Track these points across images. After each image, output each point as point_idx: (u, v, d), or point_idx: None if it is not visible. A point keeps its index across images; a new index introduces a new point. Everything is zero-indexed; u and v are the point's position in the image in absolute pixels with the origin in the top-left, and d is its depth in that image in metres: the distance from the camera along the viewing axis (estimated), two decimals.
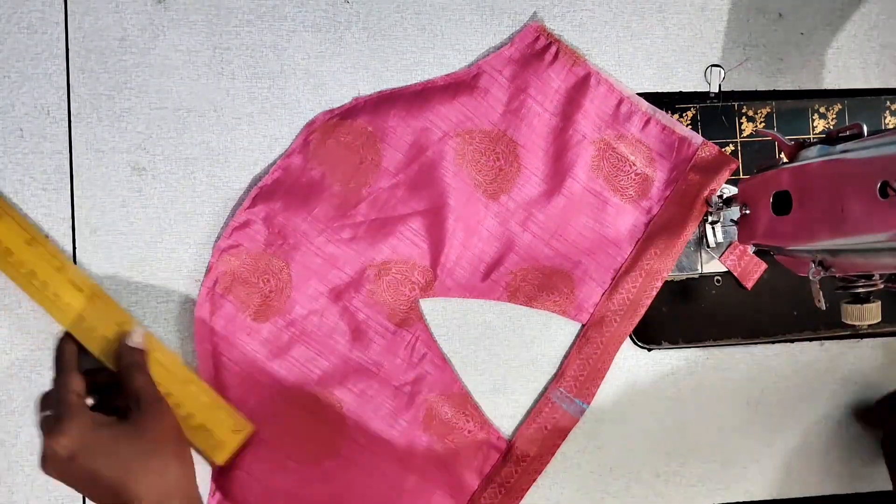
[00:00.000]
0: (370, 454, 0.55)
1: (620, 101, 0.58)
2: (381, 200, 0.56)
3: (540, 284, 0.58)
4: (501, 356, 0.58)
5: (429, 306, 0.57)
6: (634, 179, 0.59)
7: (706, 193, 0.58)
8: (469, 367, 0.58)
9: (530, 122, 0.57)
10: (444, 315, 0.58)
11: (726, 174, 0.58)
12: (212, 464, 0.53)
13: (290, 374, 0.55)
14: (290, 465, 0.54)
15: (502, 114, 0.57)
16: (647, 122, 0.59)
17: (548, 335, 0.59)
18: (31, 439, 0.53)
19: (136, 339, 0.50)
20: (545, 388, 0.58)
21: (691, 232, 0.58)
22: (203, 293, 0.54)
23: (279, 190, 0.55)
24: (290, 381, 0.55)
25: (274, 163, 0.55)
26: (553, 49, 0.58)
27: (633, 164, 0.58)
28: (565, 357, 0.59)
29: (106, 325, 0.51)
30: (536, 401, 0.58)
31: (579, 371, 0.58)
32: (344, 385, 0.55)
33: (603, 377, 0.58)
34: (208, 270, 0.54)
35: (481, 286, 0.57)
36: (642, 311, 0.58)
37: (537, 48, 0.58)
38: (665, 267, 0.58)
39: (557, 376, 0.58)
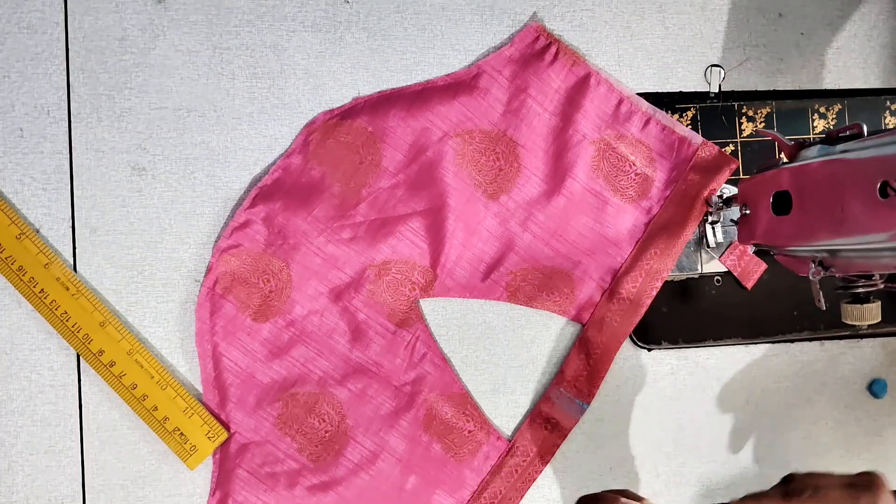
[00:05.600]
0: (370, 454, 0.55)
1: (620, 101, 0.58)
2: (381, 200, 0.56)
3: (540, 284, 0.58)
4: (501, 356, 0.58)
5: (429, 306, 0.57)
6: (634, 179, 0.59)
7: (706, 193, 0.58)
8: (469, 367, 0.58)
9: (530, 122, 0.57)
10: (444, 315, 0.58)
11: (726, 174, 0.58)
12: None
13: (290, 374, 0.55)
14: (291, 465, 0.54)
15: (502, 114, 0.57)
16: (647, 122, 0.59)
17: (548, 335, 0.59)
18: (31, 439, 0.53)
19: None
20: (545, 388, 0.58)
21: (691, 232, 0.58)
22: (203, 293, 0.54)
23: (279, 190, 0.55)
24: (290, 381, 0.55)
25: (274, 163, 0.55)
26: (553, 49, 0.58)
27: (633, 164, 0.58)
28: (565, 357, 0.59)
29: (90, 323, 0.51)
30: (536, 401, 0.58)
31: (579, 371, 0.58)
32: (344, 385, 0.55)
33: (603, 377, 0.58)
34: (208, 270, 0.54)
35: (481, 286, 0.57)
36: (642, 311, 0.58)
37: (537, 48, 0.58)
38: (665, 267, 0.58)
39: (557, 376, 0.58)
